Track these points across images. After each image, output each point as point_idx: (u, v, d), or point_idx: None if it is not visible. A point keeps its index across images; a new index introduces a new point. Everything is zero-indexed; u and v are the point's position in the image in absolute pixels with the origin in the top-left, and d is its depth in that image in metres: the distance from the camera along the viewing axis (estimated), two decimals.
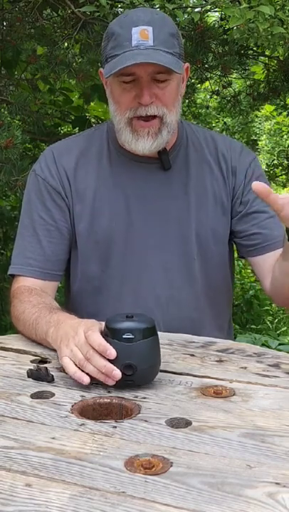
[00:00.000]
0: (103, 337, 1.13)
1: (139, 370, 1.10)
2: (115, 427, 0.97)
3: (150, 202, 1.55)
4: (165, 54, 1.42)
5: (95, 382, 1.15)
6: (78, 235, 1.57)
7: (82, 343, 1.13)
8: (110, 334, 1.12)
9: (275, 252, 1.55)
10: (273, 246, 1.57)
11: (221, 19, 3.29)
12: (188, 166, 1.60)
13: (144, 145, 1.48)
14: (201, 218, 1.57)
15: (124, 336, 1.10)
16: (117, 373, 1.09)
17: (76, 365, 1.13)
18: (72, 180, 1.57)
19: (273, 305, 5.09)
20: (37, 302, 1.44)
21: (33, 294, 1.49)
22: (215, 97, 4.27)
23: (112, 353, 1.10)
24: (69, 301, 1.68)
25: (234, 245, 1.67)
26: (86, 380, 1.11)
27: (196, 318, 1.57)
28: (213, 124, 7.46)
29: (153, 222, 1.55)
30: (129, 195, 1.55)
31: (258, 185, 1.20)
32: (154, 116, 1.46)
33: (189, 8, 2.55)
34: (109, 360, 1.11)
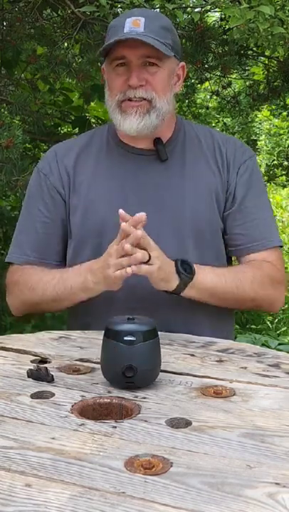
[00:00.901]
0: (103, 338, 1.14)
1: (139, 371, 1.10)
2: (115, 427, 0.97)
3: (146, 192, 1.58)
4: (153, 40, 1.48)
5: (95, 382, 1.15)
6: (73, 226, 1.62)
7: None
8: (111, 336, 1.12)
9: (255, 255, 1.60)
10: (253, 249, 1.61)
11: (221, 19, 3.29)
12: (185, 158, 1.63)
13: (131, 123, 1.53)
14: (197, 209, 1.59)
15: (125, 338, 1.11)
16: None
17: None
18: (71, 176, 1.63)
19: None
20: (48, 271, 1.58)
21: (39, 268, 1.61)
22: (215, 97, 4.27)
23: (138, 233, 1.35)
24: None
25: None
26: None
27: (189, 309, 1.56)
28: (213, 124, 7.46)
29: (148, 212, 1.56)
30: (126, 186, 1.59)
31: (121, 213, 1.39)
32: (143, 99, 1.52)
33: (189, 9, 2.55)
34: (110, 362, 1.12)
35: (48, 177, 1.63)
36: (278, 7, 2.27)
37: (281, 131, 9.26)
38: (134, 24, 1.49)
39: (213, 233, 1.61)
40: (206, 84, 3.99)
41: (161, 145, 1.59)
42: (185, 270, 1.46)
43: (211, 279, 1.51)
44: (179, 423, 0.99)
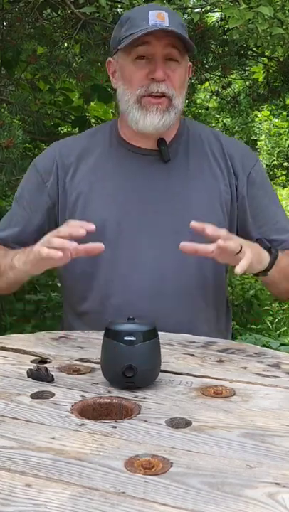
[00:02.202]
0: (103, 338, 1.14)
1: (139, 371, 1.10)
2: (115, 427, 0.97)
3: (147, 193, 1.57)
4: (180, 33, 1.46)
5: (95, 382, 1.15)
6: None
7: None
8: (111, 336, 1.12)
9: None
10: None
11: (221, 19, 3.29)
12: (188, 159, 1.61)
13: (153, 120, 1.50)
14: (199, 212, 1.56)
15: (125, 338, 1.11)
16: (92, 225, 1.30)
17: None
18: (69, 175, 1.61)
19: (273, 305, 5.09)
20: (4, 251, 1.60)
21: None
22: (215, 97, 4.27)
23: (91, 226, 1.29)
24: (62, 289, 1.72)
25: None
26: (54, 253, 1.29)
27: (184, 313, 1.55)
28: (213, 125, 7.46)
29: (148, 213, 1.56)
30: (127, 186, 1.57)
31: (194, 225, 1.34)
32: (163, 96, 1.49)
33: (189, 9, 2.55)
34: (110, 362, 1.12)
35: (39, 173, 1.63)
36: (278, 7, 2.27)
37: (281, 131, 9.26)
38: (158, 17, 1.46)
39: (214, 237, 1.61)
40: (206, 84, 3.99)
41: (164, 145, 1.57)
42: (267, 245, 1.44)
43: (284, 258, 1.50)
44: (179, 423, 0.99)
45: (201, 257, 1.57)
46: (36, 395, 1.09)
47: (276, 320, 4.75)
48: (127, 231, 1.55)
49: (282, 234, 1.63)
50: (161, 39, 1.46)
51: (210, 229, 1.32)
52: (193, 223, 1.34)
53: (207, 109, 6.30)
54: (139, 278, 1.54)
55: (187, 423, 0.98)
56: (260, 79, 3.85)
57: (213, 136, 1.67)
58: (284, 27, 2.09)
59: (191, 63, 1.60)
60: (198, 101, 6.37)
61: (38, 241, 1.56)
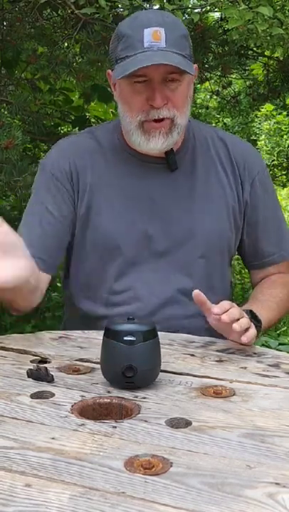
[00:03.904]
0: (103, 338, 1.14)
1: (139, 372, 1.10)
2: (115, 427, 0.97)
3: (154, 202, 1.55)
4: (177, 55, 1.41)
5: (95, 382, 1.15)
6: (77, 233, 1.57)
7: None
8: (111, 336, 1.12)
9: (268, 268, 1.66)
10: (268, 262, 1.66)
11: (221, 19, 3.29)
12: (195, 167, 1.59)
13: (156, 144, 1.48)
14: (205, 221, 1.56)
15: (125, 338, 1.11)
16: None
17: None
18: (81, 178, 1.56)
19: None
20: None
21: None
22: (215, 97, 4.27)
23: None
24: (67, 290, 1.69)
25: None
26: None
27: (190, 319, 1.55)
28: (213, 124, 7.46)
29: (155, 222, 1.55)
30: (134, 195, 1.55)
31: (196, 294, 1.33)
32: (166, 118, 1.46)
33: (189, 9, 2.55)
34: (110, 362, 1.12)
35: (55, 176, 1.56)
36: (278, 7, 2.27)
37: (283, 127, 9.26)
38: (154, 37, 1.41)
39: (220, 245, 1.60)
40: (206, 84, 4.00)
41: (172, 155, 1.54)
42: (254, 318, 1.43)
43: (267, 318, 1.50)
44: (178, 423, 0.99)
45: (209, 264, 1.58)
46: (36, 395, 1.09)
47: None
48: (135, 241, 1.54)
49: (274, 247, 1.65)
50: (157, 66, 1.40)
51: (216, 309, 1.30)
52: (196, 293, 1.33)
53: (207, 108, 6.30)
54: (147, 289, 1.54)
55: (187, 423, 0.98)
56: (260, 78, 3.85)
57: (218, 139, 1.64)
58: (284, 27, 2.09)
59: (196, 65, 1.54)
60: (198, 101, 6.37)
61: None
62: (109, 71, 1.54)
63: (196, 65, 1.55)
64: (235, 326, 1.29)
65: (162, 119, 1.46)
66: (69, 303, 1.69)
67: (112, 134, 1.60)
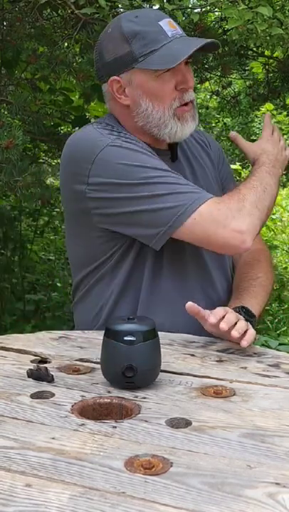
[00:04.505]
0: (103, 338, 1.14)
1: (139, 372, 1.10)
2: (115, 427, 0.97)
3: None
4: (201, 40, 1.49)
5: (95, 382, 1.15)
6: None
7: None
8: (111, 336, 1.12)
9: None
10: None
11: (221, 19, 3.29)
12: (188, 156, 1.66)
13: (190, 128, 1.53)
14: None
15: (125, 338, 1.11)
16: None
17: None
18: None
19: (273, 305, 5.09)
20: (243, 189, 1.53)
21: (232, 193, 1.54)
22: (215, 97, 4.27)
23: None
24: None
25: None
26: None
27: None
28: (213, 124, 7.46)
29: None
30: None
31: (188, 306, 1.35)
32: (192, 101, 1.52)
33: (189, 9, 2.55)
34: (110, 362, 1.12)
35: (133, 141, 1.48)
36: (277, 8, 2.27)
37: (283, 127, 9.26)
38: (171, 26, 1.46)
39: None
40: (206, 84, 3.99)
41: (176, 145, 1.60)
42: (247, 314, 1.44)
43: (257, 306, 1.51)
44: (179, 423, 0.99)
45: (214, 265, 1.59)
46: (36, 395, 1.09)
47: (276, 320, 4.75)
48: None
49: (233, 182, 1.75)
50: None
51: (212, 318, 1.32)
52: (189, 305, 1.35)
53: (207, 108, 6.30)
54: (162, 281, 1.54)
55: (187, 423, 0.99)
56: (260, 76, 3.85)
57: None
58: (283, 27, 2.09)
59: None
60: (199, 101, 6.37)
61: None
62: (116, 77, 1.49)
63: None
64: (234, 333, 1.30)
65: (187, 103, 1.51)
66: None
67: (117, 129, 1.56)
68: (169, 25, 1.45)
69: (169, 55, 1.42)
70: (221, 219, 1.42)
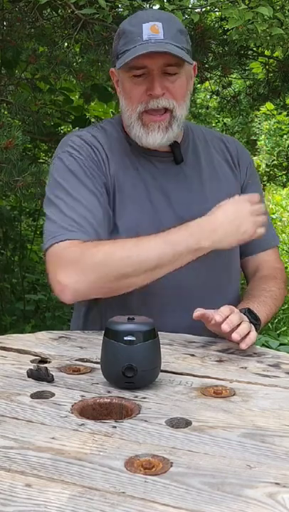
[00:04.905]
0: (103, 338, 1.14)
1: (139, 372, 1.10)
2: (115, 427, 0.97)
3: (170, 194, 1.56)
4: (174, 47, 1.45)
5: (95, 382, 1.15)
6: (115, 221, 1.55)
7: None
8: (111, 336, 1.12)
9: (258, 256, 1.69)
10: (257, 248, 1.68)
11: (221, 19, 3.29)
12: (199, 159, 1.63)
13: (155, 139, 1.50)
14: None
15: (125, 338, 1.11)
16: None
17: None
18: (107, 168, 1.53)
19: None
20: (125, 240, 1.43)
21: (106, 241, 1.43)
22: (215, 97, 4.27)
23: None
24: None
25: None
26: None
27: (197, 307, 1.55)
28: (213, 124, 7.46)
29: (171, 214, 1.55)
30: (150, 189, 1.56)
31: (196, 316, 1.34)
32: (164, 110, 1.49)
33: (189, 9, 2.55)
34: (110, 362, 1.12)
35: (88, 158, 1.51)
36: (278, 7, 2.27)
37: (283, 127, 9.26)
38: (152, 30, 1.45)
39: None
40: (206, 84, 3.99)
41: (177, 148, 1.58)
42: (253, 317, 1.44)
43: (264, 313, 1.51)
44: (179, 423, 0.99)
45: (217, 262, 1.56)
46: (36, 395, 1.09)
47: (276, 320, 4.75)
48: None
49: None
50: (156, 57, 1.44)
51: (218, 317, 1.32)
52: (196, 314, 1.34)
53: (207, 108, 6.29)
54: (161, 280, 1.54)
55: (187, 423, 0.99)
56: (260, 77, 3.85)
57: (211, 134, 1.71)
58: (283, 27, 2.09)
59: (195, 62, 1.58)
60: (198, 101, 6.37)
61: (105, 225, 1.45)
62: (113, 69, 1.56)
63: (195, 62, 1.58)
64: (235, 336, 1.31)
65: (162, 113, 1.48)
66: None
67: (117, 130, 1.61)
68: (150, 29, 1.44)
69: (127, 57, 1.44)
70: (57, 264, 1.40)
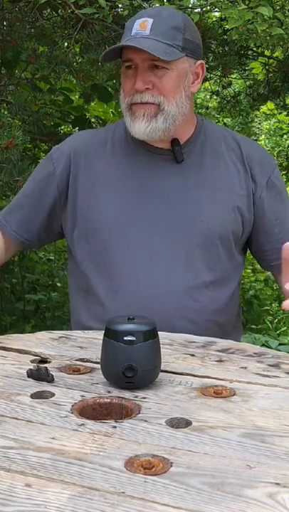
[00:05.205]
0: (103, 338, 1.14)
1: (139, 372, 1.10)
2: (115, 427, 0.97)
3: (158, 191, 1.57)
4: (157, 42, 1.46)
5: (95, 382, 1.15)
6: (82, 219, 1.61)
7: None
8: (111, 336, 1.12)
9: None
10: None
11: (221, 19, 3.29)
12: (204, 160, 1.61)
13: (140, 127, 1.52)
14: (210, 212, 1.57)
15: (125, 338, 1.11)
16: None
17: None
18: (83, 167, 1.62)
19: (273, 305, 5.09)
20: None
21: None
22: (215, 97, 4.27)
23: None
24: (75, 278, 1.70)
25: (250, 252, 1.71)
26: None
27: (192, 309, 1.55)
28: None
29: (158, 212, 1.56)
30: (139, 184, 1.58)
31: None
32: (150, 103, 1.51)
33: (189, 10, 2.55)
34: (110, 362, 1.12)
35: (54, 165, 1.65)
36: (277, 7, 2.27)
37: (284, 126, 9.26)
38: (141, 26, 1.48)
39: (224, 238, 1.59)
40: (206, 84, 3.99)
41: (178, 146, 1.58)
42: None
43: None
44: (179, 423, 0.99)
45: (211, 256, 1.56)
46: (36, 395, 1.09)
47: (276, 320, 4.75)
48: (137, 230, 1.56)
49: None
50: (139, 52, 1.47)
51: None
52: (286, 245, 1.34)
53: (207, 108, 6.29)
54: (148, 275, 1.55)
55: (187, 423, 0.98)
56: (260, 77, 3.85)
57: (231, 138, 1.67)
58: (283, 27, 2.09)
59: (202, 61, 1.60)
60: (198, 101, 6.37)
61: (40, 234, 1.66)
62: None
63: (201, 61, 1.59)
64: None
65: (148, 104, 1.51)
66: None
67: (124, 126, 1.63)
68: (139, 26, 1.49)
69: (108, 49, 1.53)
70: None
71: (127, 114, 1.54)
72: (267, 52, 3.36)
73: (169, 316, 1.50)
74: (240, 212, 1.60)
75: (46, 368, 1.16)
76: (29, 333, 1.52)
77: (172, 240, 1.55)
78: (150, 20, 1.48)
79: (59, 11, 3.13)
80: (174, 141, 1.57)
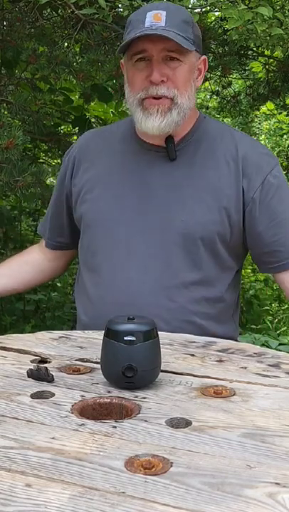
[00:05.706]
0: (103, 338, 1.14)
1: (139, 372, 1.10)
2: (115, 427, 0.97)
3: (148, 190, 1.58)
4: (175, 34, 1.45)
5: (95, 382, 1.15)
6: (79, 215, 1.68)
7: None
8: (111, 336, 1.12)
9: None
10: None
11: (221, 19, 3.29)
12: (195, 160, 1.59)
13: (154, 123, 1.51)
14: (192, 212, 1.55)
15: (125, 338, 1.11)
16: None
17: None
18: (84, 165, 1.69)
19: (273, 305, 5.09)
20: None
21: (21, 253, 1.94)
22: (215, 97, 4.26)
23: None
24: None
25: (249, 255, 1.69)
26: None
27: (167, 309, 1.54)
28: None
29: (144, 209, 1.58)
30: (132, 181, 1.60)
31: None
32: (164, 97, 1.49)
33: (189, 9, 2.55)
34: (110, 362, 1.12)
35: (66, 167, 1.74)
36: (277, 7, 2.27)
37: (284, 126, 9.26)
38: (155, 18, 1.45)
39: (211, 243, 1.56)
40: (206, 84, 3.99)
41: (171, 143, 1.56)
42: None
43: None
44: (179, 423, 0.99)
45: (191, 255, 1.54)
46: (36, 395, 1.09)
47: (276, 320, 4.75)
48: (120, 227, 1.58)
49: None
50: (156, 42, 1.45)
51: None
52: None
53: (207, 108, 6.29)
54: (124, 272, 1.57)
55: (187, 423, 0.99)
56: (260, 76, 3.85)
57: (229, 137, 1.62)
58: (283, 27, 2.09)
59: (205, 56, 1.58)
60: (198, 101, 6.37)
61: (73, 235, 1.77)
62: (122, 61, 1.60)
63: (204, 57, 1.58)
64: None
65: (160, 97, 1.49)
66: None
67: (130, 124, 1.65)
68: (153, 17, 1.46)
69: (126, 42, 1.48)
70: None
71: (138, 109, 1.51)
72: (267, 52, 3.36)
73: (143, 314, 1.48)
74: (227, 213, 1.56)
75: (46, 367, 1.16)
76: (29, 333, 1.52)
77: (150, 238, 1.55)
78: (164, 13, 1.46)
79: (59, 11, 3.12)
80: (168, 138, 1.56)
